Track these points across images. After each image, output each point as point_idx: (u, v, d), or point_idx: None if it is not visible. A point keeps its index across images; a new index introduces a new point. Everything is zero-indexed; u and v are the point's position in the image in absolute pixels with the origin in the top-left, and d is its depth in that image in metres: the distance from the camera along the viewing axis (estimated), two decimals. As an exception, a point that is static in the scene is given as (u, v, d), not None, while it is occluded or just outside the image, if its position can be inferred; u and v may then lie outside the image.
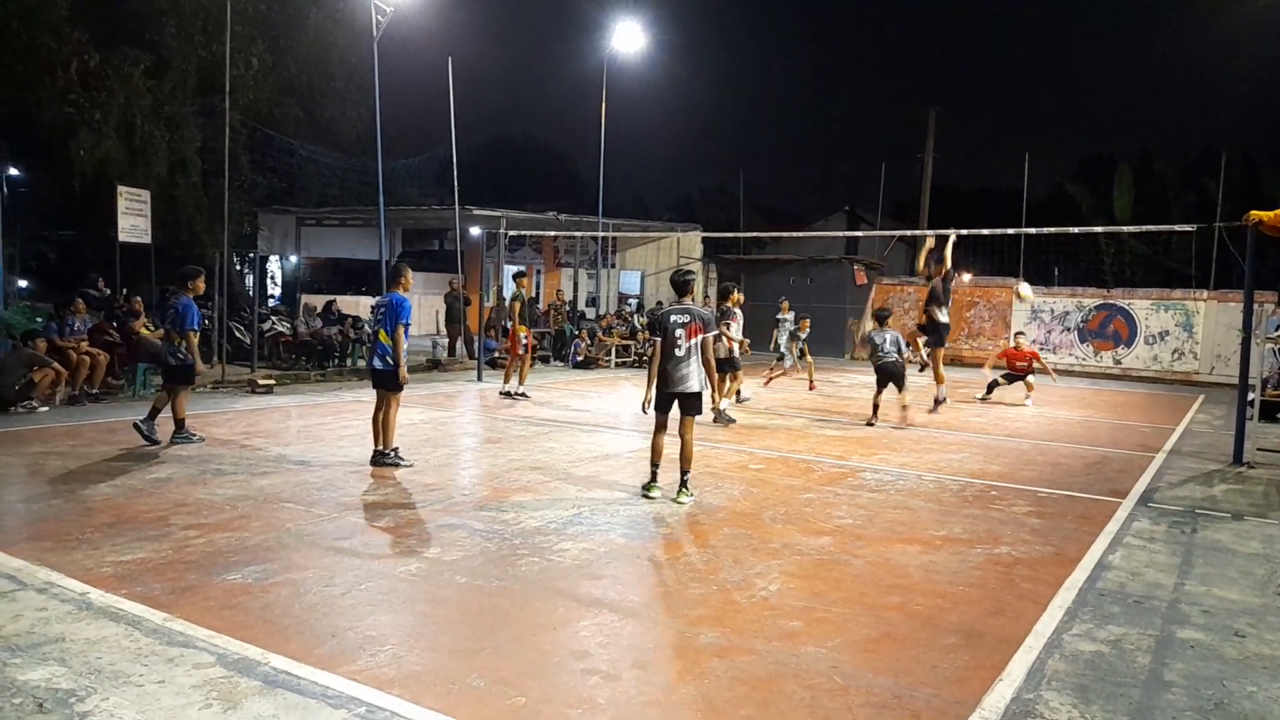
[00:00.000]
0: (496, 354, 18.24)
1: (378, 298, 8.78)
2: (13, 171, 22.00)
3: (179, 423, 8.82)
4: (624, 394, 14.78)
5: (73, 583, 4.68)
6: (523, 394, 13.31)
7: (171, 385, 9.00)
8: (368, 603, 4.57)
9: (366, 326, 16.98)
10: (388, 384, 8.04)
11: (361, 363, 16.82)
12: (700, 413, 7.16)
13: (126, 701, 3.43)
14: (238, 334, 15.77)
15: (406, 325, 7.96)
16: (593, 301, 26.04)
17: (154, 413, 8.82)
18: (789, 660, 4.03)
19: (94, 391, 11.44)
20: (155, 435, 8.68)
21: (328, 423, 10.46)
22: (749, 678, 3.83)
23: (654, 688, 3.72)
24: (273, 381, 13.53)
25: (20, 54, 18.99)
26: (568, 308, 22.76)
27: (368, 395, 13.24)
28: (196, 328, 8.85)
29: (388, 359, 7.96)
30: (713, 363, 7.24)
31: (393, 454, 8.08)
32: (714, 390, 10.28)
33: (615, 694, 3.66)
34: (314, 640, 4.07)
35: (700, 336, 6.96)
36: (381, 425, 8.09)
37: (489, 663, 3.89)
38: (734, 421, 11.13)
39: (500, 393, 13.56)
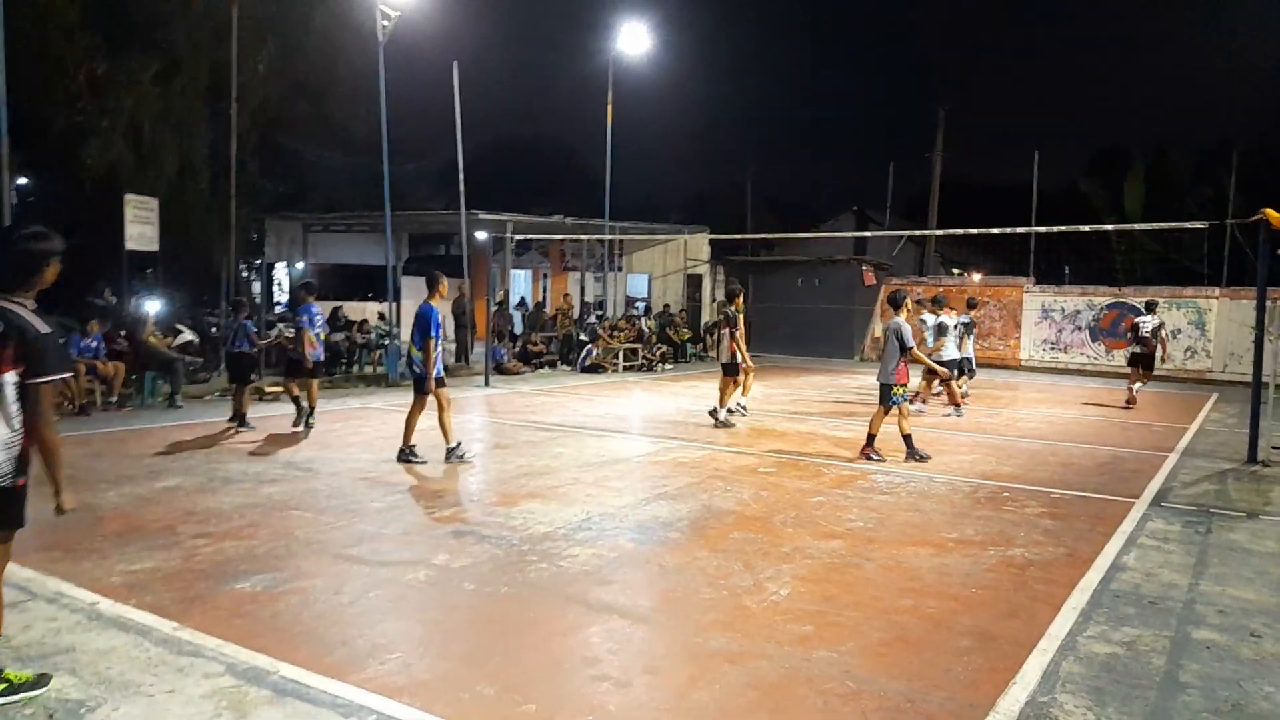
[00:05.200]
0: (506, 361, 18.22)
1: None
2: (22, 180, 22.08)
3: (447, 438, 8.71)
4: (632, 398, 14.76)
5: (82, 592, 4.69)
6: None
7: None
8: (377, 610, 4.56)
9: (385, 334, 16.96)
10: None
11: (369, 369, 16.96)
12: None
13: (137, 712, 3.42)
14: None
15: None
16: (599, 305, 26.01)
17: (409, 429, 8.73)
18: (801, 665, 4.00)
19: (112, 399, 11.46)
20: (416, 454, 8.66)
21: (335, 429, 10.46)
22: (761, 683, 3.80)
23: (666, 694, 3.70)
24: (279, 389, 13.52)
25: (32, 59, 19.05)
26: (575, 312, 22.71)
27: (376, 402, 13.37)
28: (436, 335, 8.65)
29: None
30: None
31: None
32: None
33: (626, 700, 3.63)
34: (323, 648, 4.06)
35: None
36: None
37: (499, 670, 3.88)
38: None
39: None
